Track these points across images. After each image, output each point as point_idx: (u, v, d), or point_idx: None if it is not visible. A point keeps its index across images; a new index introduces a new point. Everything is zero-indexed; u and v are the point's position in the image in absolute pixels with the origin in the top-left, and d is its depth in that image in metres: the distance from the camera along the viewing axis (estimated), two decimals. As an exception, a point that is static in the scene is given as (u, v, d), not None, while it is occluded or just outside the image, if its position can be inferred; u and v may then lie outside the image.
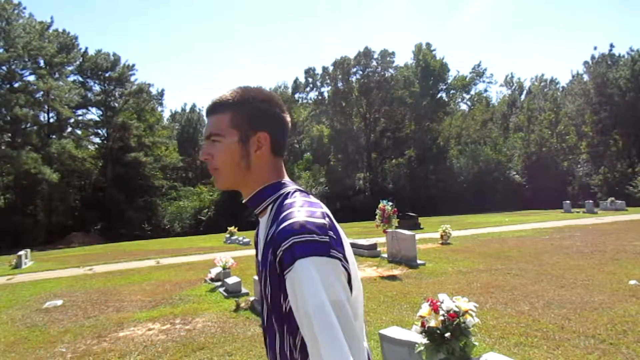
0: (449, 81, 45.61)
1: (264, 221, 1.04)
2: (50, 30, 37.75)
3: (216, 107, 1.06)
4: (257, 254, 1.10)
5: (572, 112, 42.98)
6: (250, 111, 1.04)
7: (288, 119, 1.10)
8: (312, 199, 1.00)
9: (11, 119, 34.11)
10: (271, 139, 1.05)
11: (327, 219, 0.94)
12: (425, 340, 3.57)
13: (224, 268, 8.66)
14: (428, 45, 45.11)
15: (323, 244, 0.88)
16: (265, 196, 1.04)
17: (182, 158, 45.98)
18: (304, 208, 0.94)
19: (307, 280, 0.85)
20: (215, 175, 1.08)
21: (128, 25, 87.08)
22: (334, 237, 0.92)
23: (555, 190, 34.93)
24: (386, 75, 44.75)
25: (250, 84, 1.12)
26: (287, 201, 0.98)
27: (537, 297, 6.20)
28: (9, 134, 35.28)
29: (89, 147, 43.03)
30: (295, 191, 1.03)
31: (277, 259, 0.90)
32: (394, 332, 3.84)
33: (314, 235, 0.88)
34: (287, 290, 0.89)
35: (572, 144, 41.40)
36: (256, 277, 6.85)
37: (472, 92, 49.88)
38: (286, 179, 1.07)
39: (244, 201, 1.08)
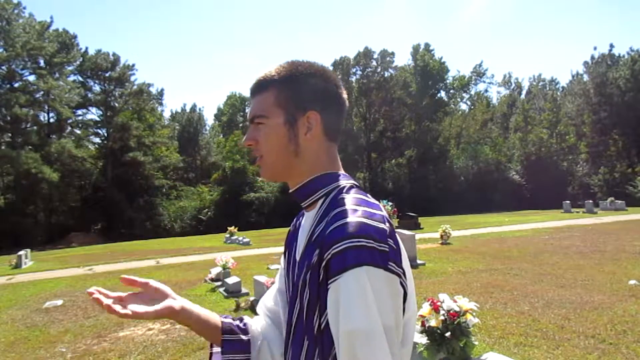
0: (448, 81, 45.70)
1: (309, 216, 0.91)
2: (50, 30, 37.74)
3: (260, 86, 0.92)
4: (290, 253, 0.97)
5: (572, 112, 43.04)
6: (298, 87, 0.89)
7: (345, 97, 0.94)
8: (371, 198, 0.85)
9: (11, 118, 34.13)
10: (323, 119, 0.89)
11: (387, 224, 0.79)
12: (425, 340, 3.57)
13: (224, 268, 8.67)
14: (426, 45, 45.22)
15: (381, 254, 0.74)
16: (316, 187, 0.90)
17: (183, 158, 45.98)
18: (362, 207, 0.80)
19: (358, 294, 0.70)
20: (260, 164, 0.94)
21: (128, 25, 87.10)
22: (394, 246, 0.77)
23: (555, 190, 34.95)
24: (386, 75, 44.77)
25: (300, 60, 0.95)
26: (343, 197, 0.84)
27: (537, 297, 6.20)
28: (9, 134, 35.29)
29: (89, 147, 43.03)
30: (351, 187, 0.88)
31: (324, 264, 0.75)
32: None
33: (372, 242, 0.74)
34: (328, 301, 0.74)
35: (571, 144, 41.44)
36: (260, 278, 6.82)
37: (472, 92, 50.04)
38: (342, 171, 0.93)
39: (290, 191, 0.94)
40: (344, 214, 0.78)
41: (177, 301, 0.93)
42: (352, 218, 0.77)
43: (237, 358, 0.96)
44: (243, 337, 0.98)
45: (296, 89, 0.89)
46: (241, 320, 1.02)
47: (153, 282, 0.94)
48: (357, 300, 0.70)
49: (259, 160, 0.93)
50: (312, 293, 0.79)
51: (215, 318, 0.98)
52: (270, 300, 1.06)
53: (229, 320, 1.00)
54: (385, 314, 0.72)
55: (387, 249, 0.75)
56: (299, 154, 0.90)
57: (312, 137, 0.90)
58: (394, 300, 0.74)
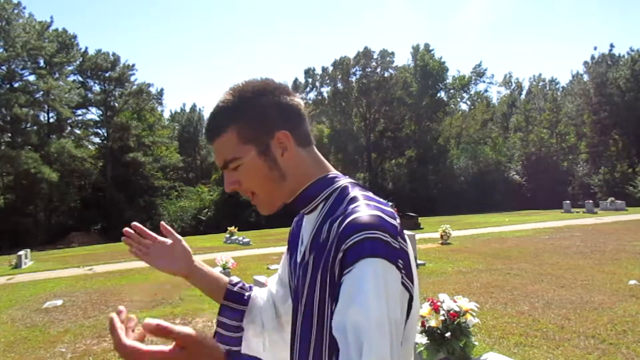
0: (448, 81, 45.73)
1: (310, 220, 0.90)
2: (50, 30, 37.73)
3: (215, 130, 0.88)
4: (293, 254, 0.96)
5: (572, 112, 43.04)
6: (254, 114, 0.86)
7: (297, 100, 0.91)
8: (373, 195, 0.85)
9: (11, 118, 34.12)
10: (292, 134, 0.87)
11: (397, 220, 0.79)
12: (425, 340, 3.57)
13: (224, 268, 8.66)
14: (426, 45, 45.29)
15: (394, 250, 0.73)
16: (314, 194, 0.88)
17: (183, 158, 45.98)
18: (373, 202, 0.79)
19: (372, 282, 0.70)
20: (255, 202, 0.91)
21: (128, 25, 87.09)
22: (403, 245, 0.77)
23: (555, 190, 34.95)
24: (386, 75, 44.78)
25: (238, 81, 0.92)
26: (349, 193, 0.84)
27: (537, 297, 6.20)
28: (9, 134, 35.28)
29: (89, 147, 43.03)
30: (354, 185, 0.88)
31: (340, 255, 0.74)
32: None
33: (388, 236, 0.73)
34: (342, 288, 0.73)
35: (571, 144, 41.45)
36: (260, 278, 6.83)
37: (472, 92, 50.02)
38: (334, 171, 0.91)
39: (288, 202, 0.92)
40: (357, 210, 0.77)
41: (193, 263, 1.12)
42: (368, 211, 0.76)
43: (229, 322, 1.06)
44: (241, 306, 1.08)
45: (253, 116, 0.86)
46: (250, 289, 1.14)
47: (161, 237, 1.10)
48: (371, 288, 0.69)
49: (252, 198, 0.90)
50: (323, 291, 0.78)
51: (223, 281, 1.13)
52: (276, 276, 1.16)
53: (234, 289, 1.12)
54: (394, 308, 0.72)
55: (397, 247, 0.75)
56: (284, 176, 0.88)
57: (289, 156, 0.87)
58: (400, 296, 0.74)
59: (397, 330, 0.72)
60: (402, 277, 0.75)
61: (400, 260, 0.74)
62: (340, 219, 0.79)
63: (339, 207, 0.83)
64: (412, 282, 0.78)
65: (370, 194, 0.84)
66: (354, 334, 0.69)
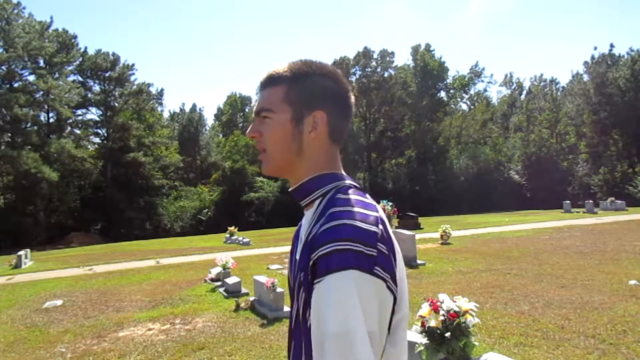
0: (448, 81, 45.71)
1: (307, 216, 0.91)
2: (50, 30, 37.71)
3: (270, 80, 0.92)
4: (293, 252, 0.98)
5: (572, 112, 43.02)
6: (308, 86, 0.90)
7: (352, 101, 0.95)
8: (368, 199, 0.86)
9: (11, 118, 34.10)
10: (329, 120, 0.90)
11: (380, 226, 0.79)
12: (425, 340, 3.57)
13: (224, 268, 8.66)
14: (427, 46, 45.27)
15: (368, 258, 0.74)
16: (314, 187, 0.90)
17: (183, 158, 45.95)
18: (356, 209, 0.80)
19: (338, 297, 0.71)
20: (262, 158, 0.94)
21: (128, 25, 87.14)
22: (384, 251, 0.77)
23: (555, 190, 34.95)
24: (385, 75, 44.76)
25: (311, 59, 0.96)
26: (339, 197, 0.84)
27: (537, 297, 6.20)
28: (9, 134, 35.26)
29: (89, 147, 43.02)
30: (350, 187, 0.88)
31: (311, 264, 0.76)
32: (394, 332, 3.82)
33: (360, 245, 0.74)
34: (312, 302, 0.75)
35: (571, 144, 41.44)
36: (260, 278, 6.81)
37: (472, 92, 50.01)
38: (341, 172, 0.93)
39: (289, 190, 0.95)
40: (336, 216, 0.79)
41: None
42: (344, 220, 0.77)
43: None
44: None
45: (306, 87, 0.90)
46: None
47: None
48: (335, 303, 0.71)
49: (261, 154, 0.93)
50: (306, 293, 0.79)
51: None
52: None
53: None
54: (370, 320, 0.72)
55: (374, 254, 0.75)
56: (301, 153, 0.90)
57: (316, 136, 0.90)
58: (379, 304, 0.75)
59: (375, 339, 0.73)
60: (387, 282, 0.76)
61: (377, 268, 0.75)
62: (319, 222, 0.81)
63: (327, 207, 0.83)
64: (397, 285, 0.79)
65: (360, 198, 0.84)
66: (318, 348, 0.72)
